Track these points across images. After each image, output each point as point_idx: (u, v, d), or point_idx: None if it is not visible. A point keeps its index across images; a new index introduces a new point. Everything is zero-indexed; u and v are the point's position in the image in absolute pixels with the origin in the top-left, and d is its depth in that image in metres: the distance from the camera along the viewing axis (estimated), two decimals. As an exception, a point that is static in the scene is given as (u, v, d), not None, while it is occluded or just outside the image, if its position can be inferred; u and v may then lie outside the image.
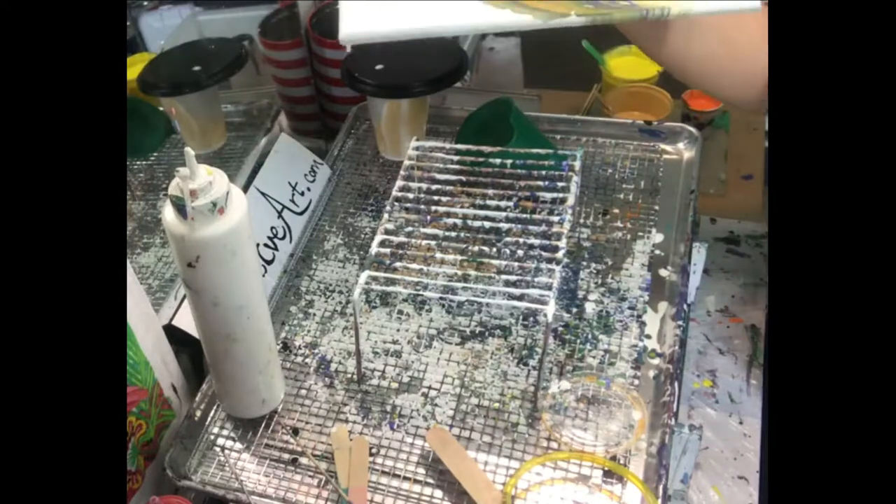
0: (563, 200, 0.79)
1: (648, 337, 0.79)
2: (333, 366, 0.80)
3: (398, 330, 0.83)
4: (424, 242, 0.81)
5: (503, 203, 0.80)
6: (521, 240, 0.77)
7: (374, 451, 0.72)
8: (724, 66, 0.73)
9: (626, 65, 1.19)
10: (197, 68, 0.99)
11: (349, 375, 0.79)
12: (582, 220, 0.91)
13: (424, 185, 0.82)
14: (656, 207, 0.92)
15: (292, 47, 1.10)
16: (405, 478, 0.71)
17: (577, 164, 0.81)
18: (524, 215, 0.80)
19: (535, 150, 0.83)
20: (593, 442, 0.70)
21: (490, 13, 0.71)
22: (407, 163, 0.84)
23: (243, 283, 0.64)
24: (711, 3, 0.70)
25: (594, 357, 0.78)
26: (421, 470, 0.71)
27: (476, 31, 0.72)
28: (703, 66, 0.74)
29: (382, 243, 0.77)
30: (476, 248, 0.76)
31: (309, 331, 0.84)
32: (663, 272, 0.85)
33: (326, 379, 0.79)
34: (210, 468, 0.73)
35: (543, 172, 0.81)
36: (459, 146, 0.87)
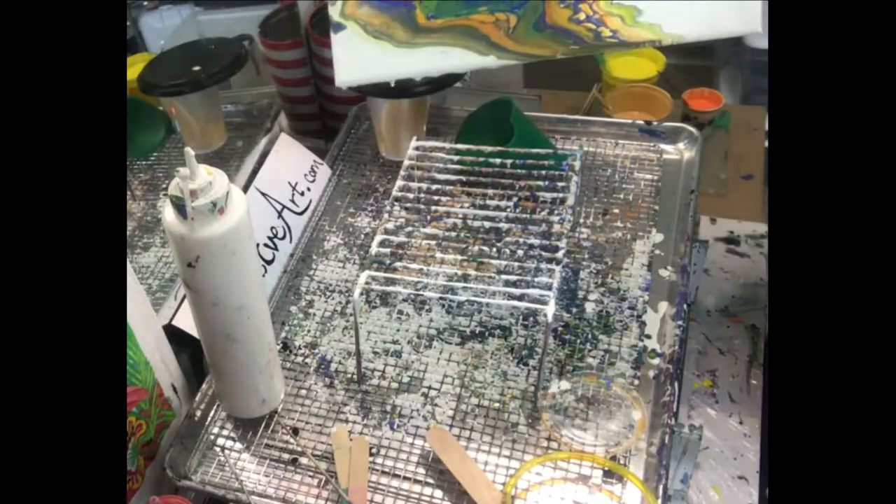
0: (563, 200, 0.79)
1: (648, 337, 0.79)
2: (333, 366, 0.80)
3: (398, 330, 0.83)
4: (424, 242, 0.81)
5: (503, 203, 0.80)
6: (521, 240, 0.77)
7: (374, 451, 0.72)
8: None
9: (626, 65, 1.18)
10: (197, 68, 0.99)
11: (349, 375, 0.79)
12: (582, 220, 0.91)
13: (424, 185, 0.82)
14: (656, 207, 0.92)
15: (292, 47, 1.10)
16: (405, 478, 0.70)
17: (577, 164, 0.81)
18: (524, 215, 0.80)
19: (535, 150, 0.83)
20: (593, 442, 0.70)
21: (473, 59, 0.80)
22: (407, 163, 0.84)
23: (243, 283, 0.64)
24: (704, 28, 0.72)
25: (594, 357, 0.78)
26: (421, 470, 0.71)
27: (460, 70, 0.85)
28: None
29: (382, 243, 0.77)
30: (476, 248, 0.76)
31: (309, 331, 0.84)
32: (663, 272, 0.85)
33: (326, 379, 0.79)
34: (210, 468, 0.73)
35: (543, 172, 0.81)
36: (459, 146, 0.86)
